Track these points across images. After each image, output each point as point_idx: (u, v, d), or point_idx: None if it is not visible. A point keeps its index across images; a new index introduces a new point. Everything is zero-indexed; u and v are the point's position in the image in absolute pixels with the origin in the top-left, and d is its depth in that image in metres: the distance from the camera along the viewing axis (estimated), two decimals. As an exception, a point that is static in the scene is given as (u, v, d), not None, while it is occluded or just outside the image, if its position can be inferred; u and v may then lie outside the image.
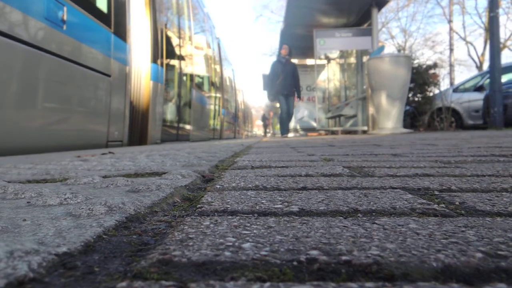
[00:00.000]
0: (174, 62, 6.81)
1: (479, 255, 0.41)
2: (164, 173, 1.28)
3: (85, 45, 3.73)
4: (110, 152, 2.70)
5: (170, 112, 6.58)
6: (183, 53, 7.50)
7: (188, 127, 7.84)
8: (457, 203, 0.72)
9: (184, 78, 7.57)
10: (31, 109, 3.02)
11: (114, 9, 4.38)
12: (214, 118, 11.61)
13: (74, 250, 0.45)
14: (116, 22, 4.41)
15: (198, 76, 9.22)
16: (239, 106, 22.24)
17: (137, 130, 5.34)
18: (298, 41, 10.83)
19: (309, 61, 14.87)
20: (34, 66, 3.01)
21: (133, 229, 0.58)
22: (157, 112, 5.70)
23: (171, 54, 6.54)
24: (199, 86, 9.30)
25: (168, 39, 6.35)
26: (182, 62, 7.40)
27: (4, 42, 2.67)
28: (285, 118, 8.37)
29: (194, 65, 8.57)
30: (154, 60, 5.53)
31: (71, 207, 0.71)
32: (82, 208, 0.65)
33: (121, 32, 4.55)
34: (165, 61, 6.02)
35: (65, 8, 3.32)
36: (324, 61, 12.98)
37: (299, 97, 8.52)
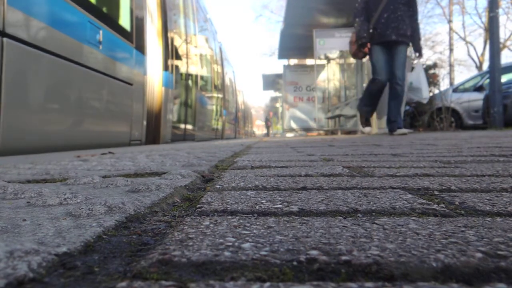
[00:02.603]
0: (182, 68, 7.40)
1: (478, 255, 0.41)
2: (164, 173, 1.28)
3: (114, 60, 4.39)
4: (109, 152, 2.70)
5: (178, 114, 7.17)
6: (189, 60, 8.06)
7: (193, 127, 8.30)
8: (457, 203, 0.72)
9: (190, 82, 8.13)
10: (75, 114, 3.64)
11: (135, 27, 5.04)
12: (216, 119, 11.80)
13: (74, 250, 0.45)
14: (136, 37, 5.07)
15: (202, 79, 9.67)
16: (239, 106, 22.28)
17: (152, 130, 5.91)
18: (297, 41, 10.85)
19: (309, 61, 14.87)
20: (77, 80, 3.61)
21: (133, 229, 0.58)
22: (168, 114, 6.28)
23: (179, 61, 7.13)
24: (203, 89, 9.76)
25: (177, 48, 6.94)
26: (188, 68, 7.99)
27: (61, 63, 3.28)
28: (380, 87, 4.70)
29: (198, 70, 9.08)
30: (165, 68, 6.16)
31: (71, 207, 0.71)
32: (82, 208, 0.65)
33: (140, 46, 5.22)
34: (174, 68, 6.60)
35: (101, 32, 4.00)
36: (324, 61, 12.96)
37: (418, 50, 4.97)
